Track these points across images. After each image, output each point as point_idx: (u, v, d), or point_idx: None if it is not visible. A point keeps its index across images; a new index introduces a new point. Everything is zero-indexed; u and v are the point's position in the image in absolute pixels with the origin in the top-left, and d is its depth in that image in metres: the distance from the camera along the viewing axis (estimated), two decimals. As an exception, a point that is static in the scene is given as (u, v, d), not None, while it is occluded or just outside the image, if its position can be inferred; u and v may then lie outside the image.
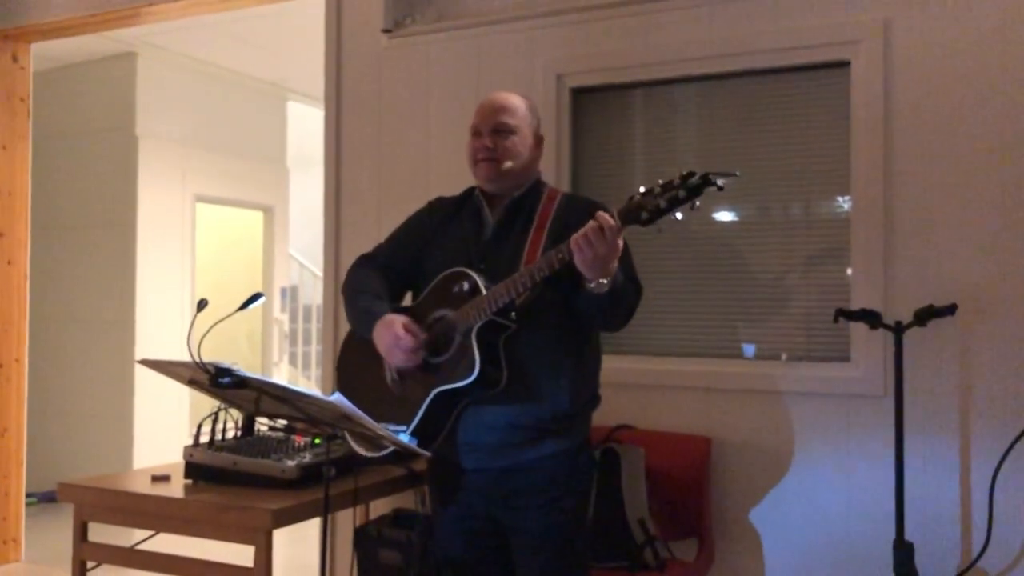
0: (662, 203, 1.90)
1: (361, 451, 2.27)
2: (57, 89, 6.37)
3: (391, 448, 2.17)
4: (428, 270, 2.31)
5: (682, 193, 1.89)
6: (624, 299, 2.13)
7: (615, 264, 2.01)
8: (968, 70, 2.78)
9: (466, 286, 2.16)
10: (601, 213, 1.96)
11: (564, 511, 2.21)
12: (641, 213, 1.93)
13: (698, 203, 1.89)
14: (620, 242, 1.98)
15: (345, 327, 2.52)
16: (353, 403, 1.98)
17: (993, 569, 2.70)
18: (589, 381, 2.32)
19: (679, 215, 1.91)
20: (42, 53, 5.48)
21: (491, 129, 2.29)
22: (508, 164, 2.28)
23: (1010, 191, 2.72)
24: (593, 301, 2.06)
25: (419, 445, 2.17)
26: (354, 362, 2.45)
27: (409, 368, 2.21)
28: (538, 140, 2.37)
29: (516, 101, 2.34)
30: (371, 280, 2.38)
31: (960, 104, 2.78)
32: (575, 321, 2.19)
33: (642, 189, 1.95)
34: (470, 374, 2.10)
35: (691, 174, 1.88)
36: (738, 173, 2.01)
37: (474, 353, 2.10)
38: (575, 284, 2.09)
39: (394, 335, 2.17)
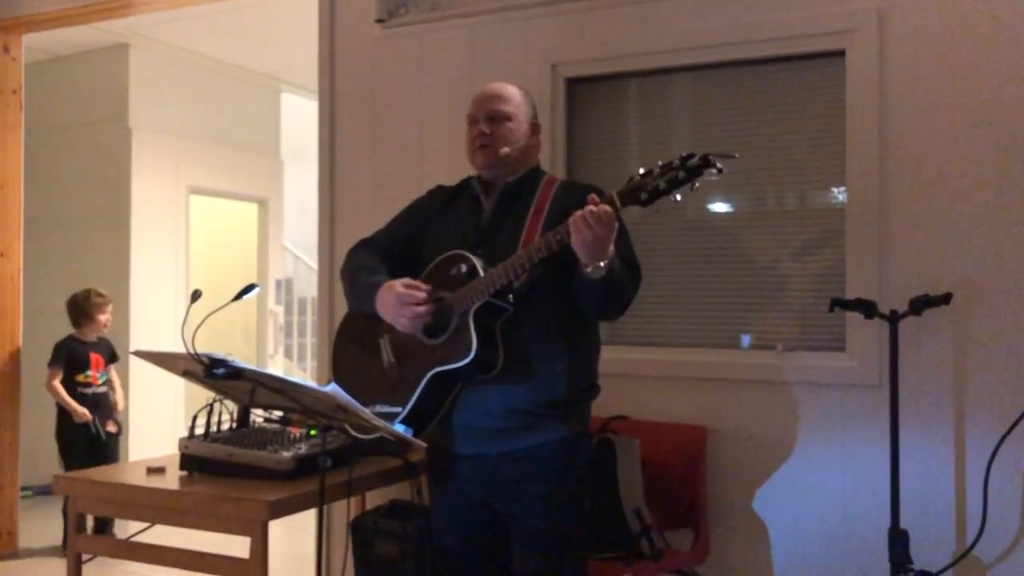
0: (661, 184, 1.93)
1: (353, 432, 2.27)
2: (50, 81, 6.34)
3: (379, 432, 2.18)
4: (426, 255, 2.33)
5: (682, 174, 1.91)
6: (621, 287, 2.13)
7: (611, 248, 2.01)
8: (963, 58, 2.77)
9: (464, 268, 2.17)
10: (597, 200, 1.96)
11: (561, 501, 2.22)
12: (641, 194, 1.95)
13: (697, 184, 1.91)
14: (616, 225, 1.99)
15: (339, 318, 2.51)
16: (348, 385, 1.98)
17: (987, 557, 2.71)
18: (587, 369, 2.32)
19: (678, 196, 1.93)
20: (34, 44, 5.45)
21: (486, 116, 2.32)
22: (505, 150, 2.29)
23: (1005, 180, 2.72)
24: (589, 286, 2.06)
25: (414, 429, 2.17)
26: (350, 346, 2.46)
27: (412, 335, 2.20)
28: (535, 128, 2.38)
29: (511, 89, 2.37)
30: (370, 260, 2.39)
31: (955, 92, 2.78)
32: (573, 307, 2.19)
33: (642, 170, 1.97)
34: (467, 355, 2.11)
35: (691, 155, 1.91)
36: (737, 155, 2.02)
37: (471, 335, 2.10)
38: (572, 269, 2.09)
39: (397, 293, 2.18)
